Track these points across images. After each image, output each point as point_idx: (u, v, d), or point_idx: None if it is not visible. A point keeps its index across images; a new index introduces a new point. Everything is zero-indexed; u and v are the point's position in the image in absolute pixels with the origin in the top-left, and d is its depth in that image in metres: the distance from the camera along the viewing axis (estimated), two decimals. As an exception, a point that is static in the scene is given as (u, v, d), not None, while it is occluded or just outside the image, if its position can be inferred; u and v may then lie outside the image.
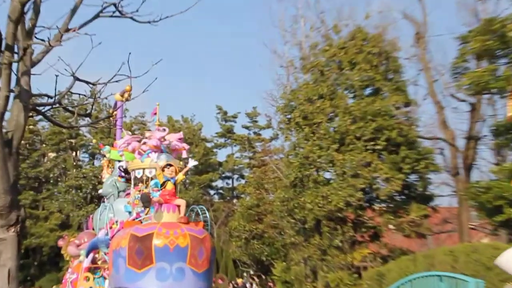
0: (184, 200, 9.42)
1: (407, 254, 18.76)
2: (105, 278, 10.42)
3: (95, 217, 11.97)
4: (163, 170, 9.26)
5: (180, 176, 9.37)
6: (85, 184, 35.49)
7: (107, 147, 13.17)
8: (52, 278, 31.26)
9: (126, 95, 12.62)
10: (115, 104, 13.18)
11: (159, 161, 9.83)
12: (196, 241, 8.81)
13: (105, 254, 10.38)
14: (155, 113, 11.84)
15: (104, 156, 13.29)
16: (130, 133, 11.72)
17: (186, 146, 10.89)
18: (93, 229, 11.95)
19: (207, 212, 10.43)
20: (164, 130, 10.49)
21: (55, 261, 33.04)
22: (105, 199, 12.50)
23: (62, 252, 12.74)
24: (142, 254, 8.52)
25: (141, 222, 9.54)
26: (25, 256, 33.15)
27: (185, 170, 9.47)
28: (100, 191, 13.22)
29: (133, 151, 10.75)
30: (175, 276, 8.52)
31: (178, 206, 9.23)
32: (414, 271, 13.73)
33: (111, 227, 10.55)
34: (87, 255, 11.03)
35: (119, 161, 12.59)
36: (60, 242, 13.16)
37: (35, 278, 33.48)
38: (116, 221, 10.63)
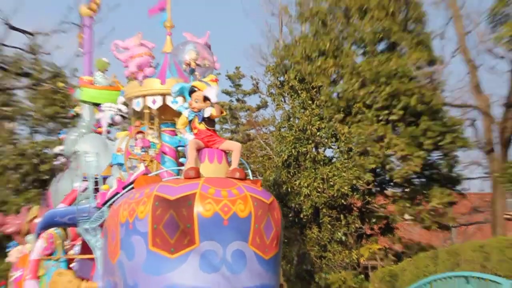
0: (238, 142, 7.61)
1: (427, 250, 18.95)
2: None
3: (53, 188, 11.19)
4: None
5: (214, 111, 7.42)
6: (23, 163, 35.31)
7: (78, 90, 12.59)
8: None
9: (94, 6, 12.14)
10: (82, 21, 12.77)
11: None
12: (263, 208, 7.10)
13: (88, 233, 8.55)
14: (162, 8, 9.59)
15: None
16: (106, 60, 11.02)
17: (217, 65, 8.86)
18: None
19: (248, 167, 8.37)
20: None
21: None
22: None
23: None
24: (176, 228, 6.78)
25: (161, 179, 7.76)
26: None
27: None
28: (58, 150, 12.73)
29: (138, 71, 9.30)
30: (230, 264, 6.77)
31: (226, 152, 7.41)
32: (435, 271, 14.01)
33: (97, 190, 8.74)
34: (37, 235, 9.19)
35: (96, 104, 11.79)
36: None
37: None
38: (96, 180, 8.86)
